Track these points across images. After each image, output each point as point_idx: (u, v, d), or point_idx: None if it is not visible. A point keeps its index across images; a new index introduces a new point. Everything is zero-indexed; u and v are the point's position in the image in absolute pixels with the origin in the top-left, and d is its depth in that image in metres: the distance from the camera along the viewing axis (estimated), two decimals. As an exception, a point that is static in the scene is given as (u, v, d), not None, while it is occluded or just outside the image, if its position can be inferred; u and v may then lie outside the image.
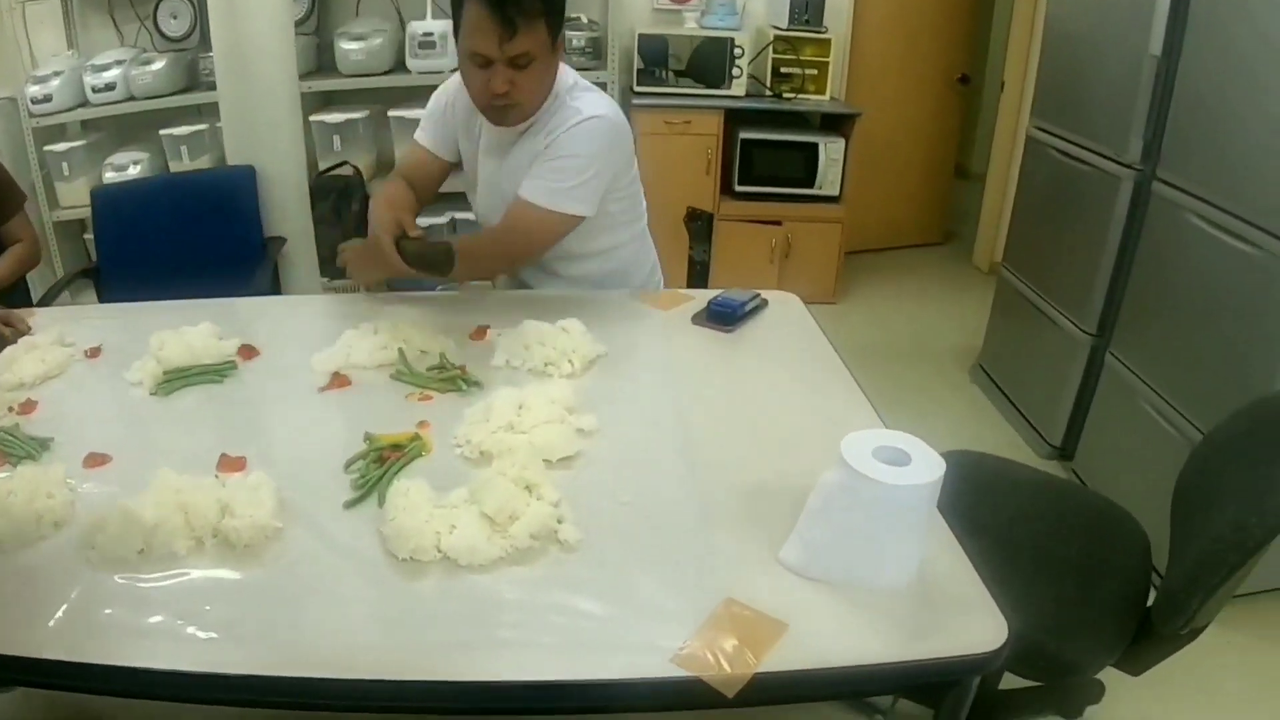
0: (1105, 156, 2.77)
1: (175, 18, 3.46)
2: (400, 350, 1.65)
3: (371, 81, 3.55)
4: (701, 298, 1.92)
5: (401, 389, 1.57)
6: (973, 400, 3.55)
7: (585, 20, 3.81)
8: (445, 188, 2.06)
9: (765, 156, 4.00)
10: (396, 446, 1.35)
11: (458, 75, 1.83)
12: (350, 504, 1.24)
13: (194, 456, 1.31)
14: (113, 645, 1.01)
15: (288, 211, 2.76)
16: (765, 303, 1.94)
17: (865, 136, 4.12)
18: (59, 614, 1.04)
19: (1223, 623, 2.29)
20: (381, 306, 1.85)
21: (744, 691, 0.95)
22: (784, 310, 1.96)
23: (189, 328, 1.69)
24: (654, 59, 3.81)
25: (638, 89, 3.80)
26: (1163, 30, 2.49)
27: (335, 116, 3.54)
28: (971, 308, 4.13)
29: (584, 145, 1.77)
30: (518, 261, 1.96)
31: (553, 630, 1.03)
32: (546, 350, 1.62)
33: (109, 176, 3.52)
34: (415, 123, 3.51)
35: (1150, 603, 1.59)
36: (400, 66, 3.60)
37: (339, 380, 1.60)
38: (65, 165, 3.59)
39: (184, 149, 3.46)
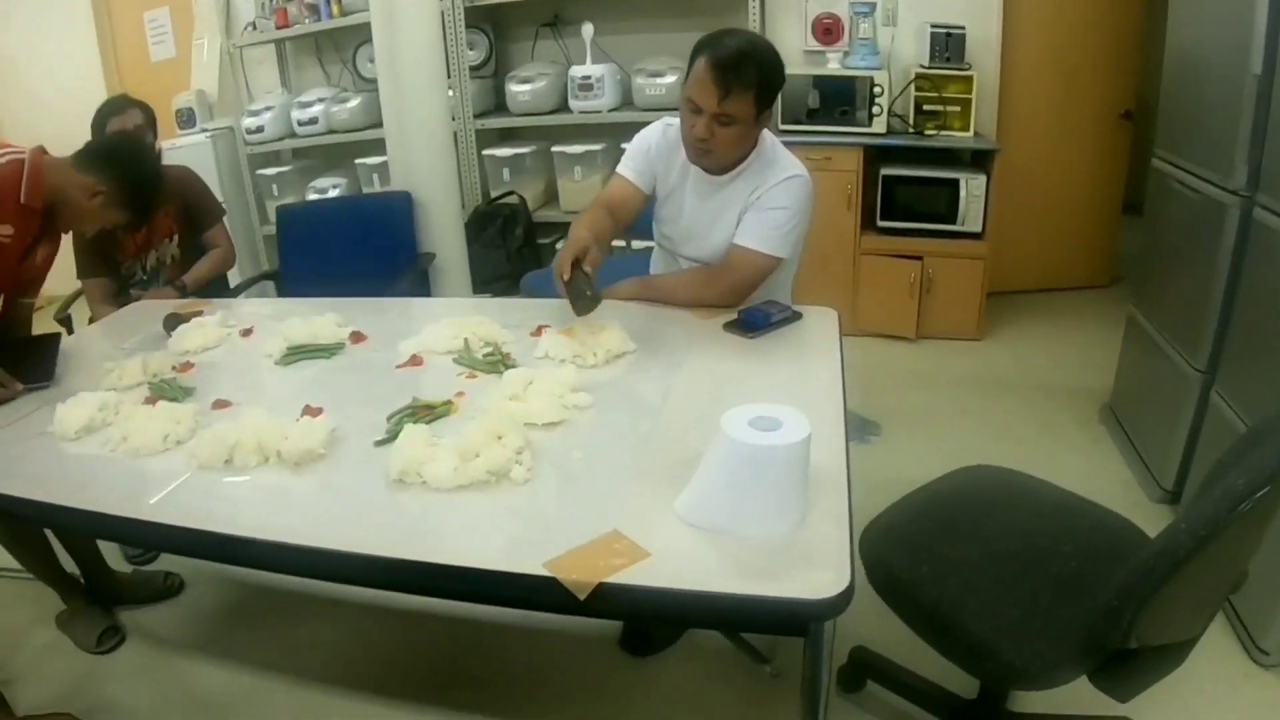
0: (1212, 183, 2.70)
1: (372, 61, 4.03)
2: (465, 340, 2.01)
3: (538, 120, 3.99)
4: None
5: (457, 369, 1.93)
6: (1096, 441, 3.49)
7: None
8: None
9: (906, 192, 4.12)
10: (429, 407, 1.71)
11: (659, 121, 2.29)
12: (379, 443, 1.60)
13: (289, 406, 1.70)
14: (187, 516, 1.42)
15: (440, 232, 3.21)
16: (799, 316, 2.13)
17: (1015, 173, 4.16)
18: (159, 496, 1.48)
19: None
20: (468, 307, 2.25)
21: (592, 598, 1.19)
22: (817, 325, 2.12)
23: (316, 316, 2.15)
24: (794, 99, 4.04)
25: (782, 127, 4.03)
26: (1262, 46, 2.41)
27: (505, 151, 4.01)
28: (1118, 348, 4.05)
29: (789, 199, 2.16)
30: (735, 295, 2.22)
31: (473, 534, 1.35)
32: (575, 344, 1.93)
33: (311, 198, 4.16)
34: (576, 157, 3.99)
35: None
36: (563, 106, 4.02)
37: (414, 360, 1.99)
38: (275, 187, 4.29)
39: (375, 176, 4.03)
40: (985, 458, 2.17)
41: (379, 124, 3.90)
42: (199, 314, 2.28)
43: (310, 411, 1.68)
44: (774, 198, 2.15)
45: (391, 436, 1.60)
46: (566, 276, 1.98)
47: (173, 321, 2.22)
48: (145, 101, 2.94)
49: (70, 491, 1.52)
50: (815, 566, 1.24)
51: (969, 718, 2.03)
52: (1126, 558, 1.72)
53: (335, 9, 4.21)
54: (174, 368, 2.01)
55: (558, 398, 1.70)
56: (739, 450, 1.28)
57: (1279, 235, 2.35)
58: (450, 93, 3.56)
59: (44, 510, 1.52)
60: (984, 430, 3.53)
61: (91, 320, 2.76)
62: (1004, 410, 3.72)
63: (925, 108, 4.10)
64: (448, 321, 2.09)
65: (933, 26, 3.93)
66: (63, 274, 2.53)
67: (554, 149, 4.05)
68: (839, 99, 4.03)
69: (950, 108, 4.08)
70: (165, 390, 1.87)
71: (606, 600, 1.20)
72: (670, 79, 3.93)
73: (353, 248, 3.11)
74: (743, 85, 1.98)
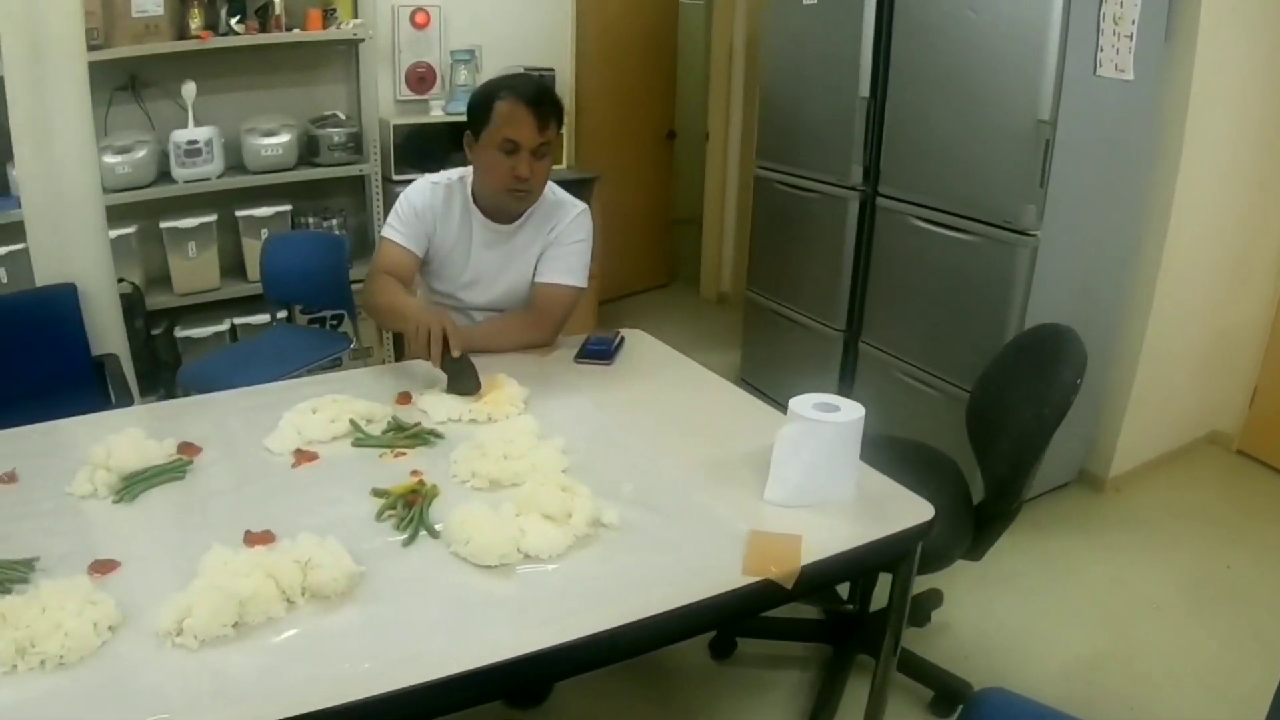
0: (830, 183, 3.38)
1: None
2: (352, 421, 1.79)
3: (139, 195, 3.51)
4: (569, 344, 2.25)
5: (369, 454, 1.71)
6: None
7: (343, 116, 3.97)
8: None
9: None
10: (413, 492, 1.53)
11: (423, 180, 2.20)
12: (408, 542, 1.41)
13: (209, 544, 1.31)
14: (276, 704, 1.07)
15: (107, 330, 2.72)
16: (624, 339, 2.29)
17: (601, 196, 4.59)
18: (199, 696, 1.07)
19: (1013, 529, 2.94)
20: (296, 392, 1.95)
21: (799, 584, 1.31)
22: (640, 343, 2.32)
23: (116, 435, 1.62)
24: (409, 145, 4.04)
25: (396, 177, 3.96)
26: (869, 75, 3.14)
27: (110, 233, 3.44)
28: (715, 333, 4.76)
29: (584, 231, 2.27)
30: (556, 331, 2.25)
31: (642, 582, 1.33)
32: (467, 401, 1.88)
33: None
34: (188, 232, 3.57)
35: (977, 501, 2.07)
36: (166, 177, 3.59)
37: (305, 456, 1.69)
38: None
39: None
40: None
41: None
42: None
43: (257, 539, 1.37)
44: (572, 232, 2.25)
45: (413, 531, 1.43)
46: (439, 363, 1.93)
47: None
48: None
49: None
50: (901, 505, 1.54)
51: (841, 628, 2.42)
52: (937, 464, 2.28)
53: None
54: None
55: (547, 445, 1.68)
56: (826, 430, 1.48)
57: (900, 214, 3.12)
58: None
59: None
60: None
61: None
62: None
63: (525, 144, 4.34)
64: (302, 407, 1.83)
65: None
66: None
67: (162, 225, 3.59)
68: (448, 143, 4.11)
69: (548, 144, 4.38)
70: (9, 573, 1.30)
71: (807, 581, 1.34)
72: (285, 137, 3.71)
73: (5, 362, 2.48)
74: (555, 112, 2.09)
